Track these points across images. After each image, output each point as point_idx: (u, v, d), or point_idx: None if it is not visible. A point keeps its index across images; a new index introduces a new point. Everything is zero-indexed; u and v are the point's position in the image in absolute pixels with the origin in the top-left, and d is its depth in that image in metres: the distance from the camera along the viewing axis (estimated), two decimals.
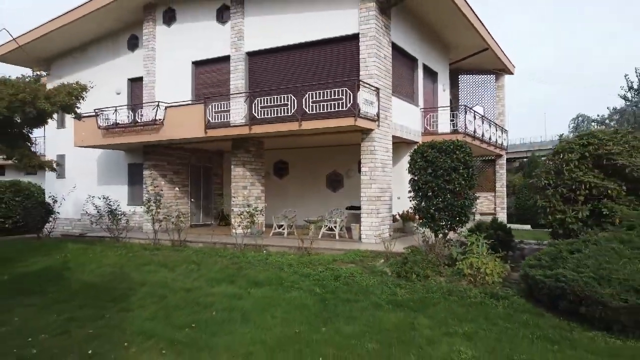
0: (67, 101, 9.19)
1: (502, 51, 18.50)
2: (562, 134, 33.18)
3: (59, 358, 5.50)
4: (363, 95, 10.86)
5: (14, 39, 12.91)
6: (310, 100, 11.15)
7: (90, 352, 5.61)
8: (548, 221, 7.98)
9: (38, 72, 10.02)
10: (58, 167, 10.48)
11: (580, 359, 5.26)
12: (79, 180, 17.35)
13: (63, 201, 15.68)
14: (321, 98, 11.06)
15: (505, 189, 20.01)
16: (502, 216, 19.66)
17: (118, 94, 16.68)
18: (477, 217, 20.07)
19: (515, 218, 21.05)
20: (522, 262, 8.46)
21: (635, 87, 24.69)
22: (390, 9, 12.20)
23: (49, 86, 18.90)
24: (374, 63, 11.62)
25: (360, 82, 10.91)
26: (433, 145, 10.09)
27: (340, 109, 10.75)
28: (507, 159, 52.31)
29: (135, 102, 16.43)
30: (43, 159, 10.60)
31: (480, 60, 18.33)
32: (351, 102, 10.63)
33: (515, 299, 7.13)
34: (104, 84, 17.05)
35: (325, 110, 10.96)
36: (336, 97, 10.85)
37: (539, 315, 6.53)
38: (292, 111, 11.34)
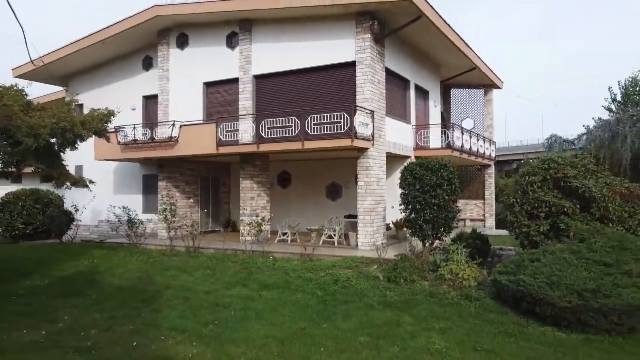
0: (99, 127, 10.51)
1: (490, 69, 19.83)
2: (530, 158, 35.74)
3: (109, 348, 6.77)
4: (359, 118, 12.18)
5: (43, 63, 14.19)
6: (312, 123, 12.47)
7: (134, 344, 6.87)
8: (516, 233, 9.30)
9: (73, 100, 11.29)
10: (91, 183, 11.77)
11: (530, 349, 6.56)
12: (96, 190, 18.59)
13: (84, 210, 16.99)
14: (322, 121, 12.38)
15: (493, 196, 21.31)
16: (491, 222, 20.98)
17: (133, 109, 18.01)
18: (468, 222, 21.47)
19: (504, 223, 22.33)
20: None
21: (619, 99, 26.06)
22: (384, 39, 13.52)
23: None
24: (369, 88, 12.94)
25: (357, 107, 12.24)
26: (421, 164, 11.41)
27: (339, 131, 12.08)
28: (504, 160, 53.99)
29: (149, 117, 17.76)
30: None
31: (470, 76, 19.65)
32: (348, 125, 11.95)
33: (486, 300, 8.44)
34: (119, 99, 18.37)
35: (325, 132, 12.29)
36: (335, 120, 12.18)
37: (503, 314, 7.84)
38: (296, 132, 12.66)
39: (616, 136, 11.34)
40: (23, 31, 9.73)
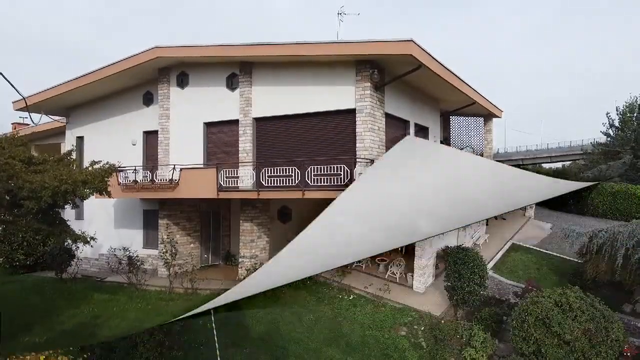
0: (101, 186, 10.55)
1: (489, 101, 19.90)
2: (528, 164, 37.60)
3: None
4: (359, 170, 12.23)
5: (43, 114, 14.27)
6: (312, 173, 12.53)
7: None
8: None
9: (73, 161, 11.42)
10: (92, 239, 11.77)
11: None
12: (97, 223, 18.68)
13: (84, 247, 17.02)
14: (322, 172, 12.45)
15: None
16: None
17: (134, 144, 18.04)
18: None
19: None
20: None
21: (617, 124, 26.18)
22: (384, 86, 13.57)
23: (68, 134, 20.27)
24: (370, 137, 12.99)
25: (357, 160, 12.30)
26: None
27: (339, 183, 12.14)
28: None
29: (149, 152, 17.81)
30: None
31: (470, 108, 19.68)
32: (349, 178, 12.02)
33: None
34: (120, 133, 18.49)
35: (325, 184, 12.35)
36: (335, 172, 12.25)
37: None
38: (296, 181, 12.73)
39: (614, 243, 11.61)
40: (25, 99, 9.72)
